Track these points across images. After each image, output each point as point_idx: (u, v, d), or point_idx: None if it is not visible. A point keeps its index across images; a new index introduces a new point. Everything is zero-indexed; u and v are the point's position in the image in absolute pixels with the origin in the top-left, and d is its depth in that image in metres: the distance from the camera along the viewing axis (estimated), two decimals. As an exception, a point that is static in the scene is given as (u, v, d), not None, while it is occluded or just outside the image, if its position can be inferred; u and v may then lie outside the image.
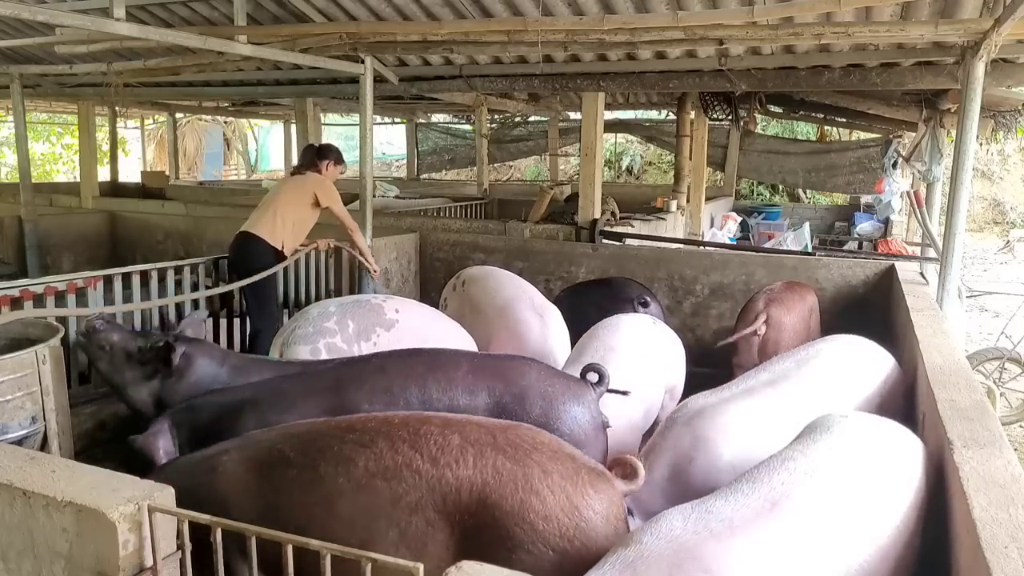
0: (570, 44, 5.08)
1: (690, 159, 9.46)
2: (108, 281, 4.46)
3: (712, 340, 5.59)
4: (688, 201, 9.33)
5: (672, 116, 10.62)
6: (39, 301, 4.07)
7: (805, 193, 14.90)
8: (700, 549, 1.74)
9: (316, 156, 5.17)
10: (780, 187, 15.30)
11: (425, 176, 14.92)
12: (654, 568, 1.70)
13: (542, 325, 4.19)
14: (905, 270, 5.09)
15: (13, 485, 1.84)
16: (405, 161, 16.05)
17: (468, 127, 13.96)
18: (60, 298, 4.20)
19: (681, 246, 6.57)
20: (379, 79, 5.83)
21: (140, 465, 2.51)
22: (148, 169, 17.31)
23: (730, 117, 9.45)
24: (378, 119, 14.25)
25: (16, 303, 3.95)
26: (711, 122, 10.32)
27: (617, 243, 6.35)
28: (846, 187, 11.53)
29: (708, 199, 10.69)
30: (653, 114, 13.43)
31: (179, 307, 4.73)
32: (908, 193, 7.59)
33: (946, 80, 5.35)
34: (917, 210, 6.76)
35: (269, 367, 3.34)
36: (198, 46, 4.63)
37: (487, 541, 1.89)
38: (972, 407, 2.35)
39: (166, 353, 3.14)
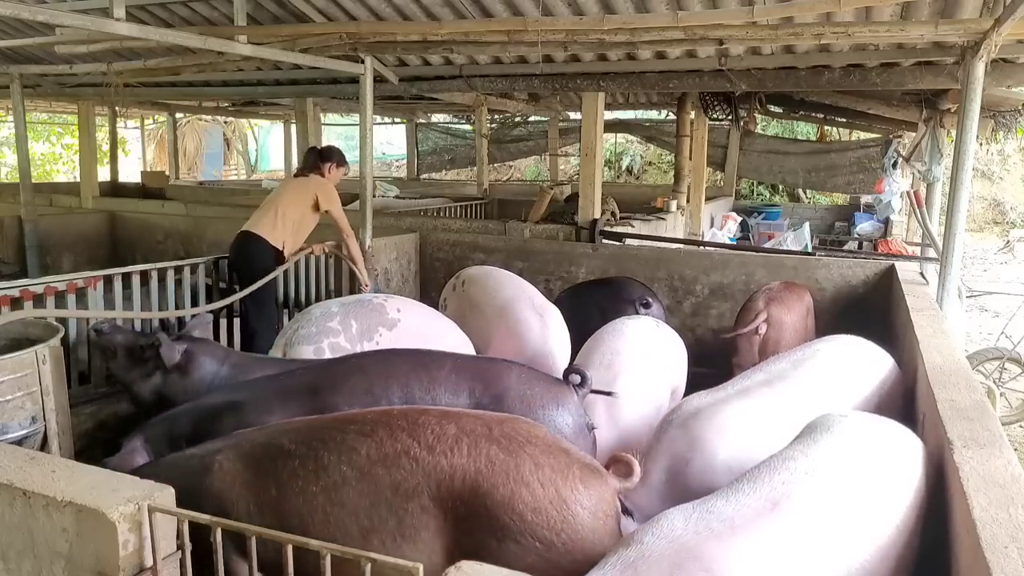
0: (570, 44, 5.07)
1: (690, 159, 9.46)
2: (108, 281, 4.46)
3: (712, 340, 5.59)
4: (688, 201, 9.33)
5: (672, 116, 10.62)
6: (39, 301, 4.07)
7: (805, 193, 14.90)
8: (701, 549, 1.74)
9: (319, 159, 5.18)
10: (780, 187, 15.30)
11: (425, 176, 14.92)
12: (655, 568, 1.70)
13: (542, 325, 4.19)
14: (905, 270, 5.09)
15: (13, 485, 1.84)
16: (405, 161, 16.05)
17: (468, 127, 13.96)
18: (60, 298, 4.20)
19: (681, 246, 6.57)
20: (379, 79, 5.83)
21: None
22: (148, 169, 17.31)
23: (730, 117, 9.45)
24: (378, 119, 14.25)
25: (16, 303, 3.95)
26: (711, 122, 10.32)
27: (617, 243, 6.35)
28: (846, 187, 11.53)
29: (708, 199, 10.69)
30: (653, 114, 13.43)
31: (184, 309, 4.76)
32: (908, 193, 7.59)
33: (946, 80, 5.35)
34: (917, 210, 6.76)
35: (270, 365, 3.39)
36: (198, 46, 4.63)
37: (478, 529, 1.92)
38: (972, 407, 2.35)
39: (157, 352, 3.26)
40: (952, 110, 6.77)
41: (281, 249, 4.95)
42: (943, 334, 3.32)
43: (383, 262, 6.04)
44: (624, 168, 18.84)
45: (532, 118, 12.94)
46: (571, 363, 3.73)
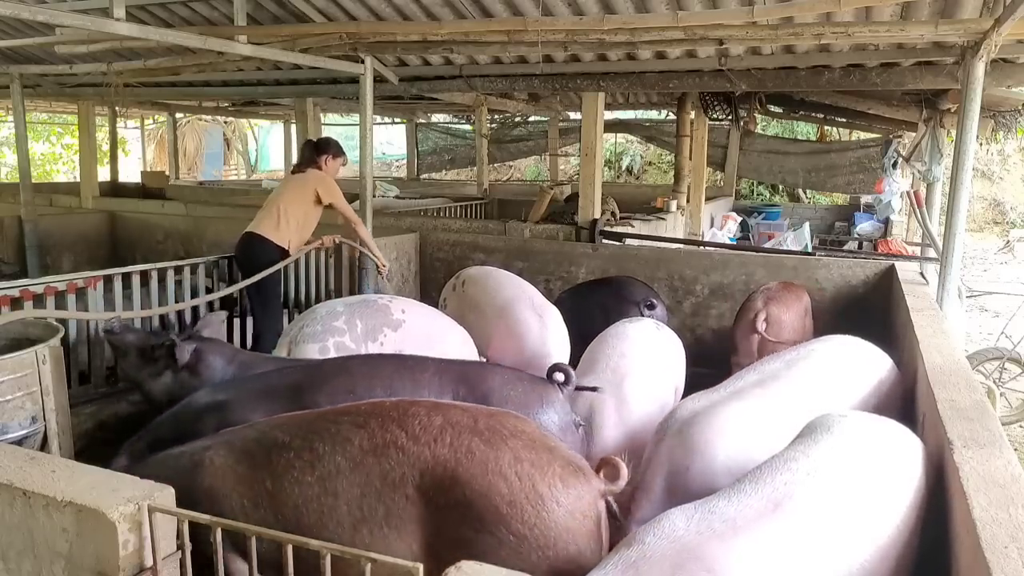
0: (570, 44, 5.08)
1: (690, 159, 9.46)
2: (108, 281, 4.46)
3: (712, 340, 5.60)
4: (688, 201, 9.33)
5: (672, 116, 10.62)
6: (39, 301, 4.07)
7: (805, 193, 14.90)
8: (703, 549, 1.74)
9: (315, 152, 5.16)
10: (780, 187, 15.30)
11: (425, 176, 14.92)
12: (656, 568, 1.70)
13: (541, 325, 4.20)
14: (905, 270, 5.10)
15: (13, 485, 1.85)
16: (405, 161, 16.04)
17: (468, 127, 13.96)
18: (60, 298, 4.20)
19: (681, 246, 6.57)
20: (379, 79, 5.83)
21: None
22: (148, 169, 17.31)
23: (730, 117, 9.45)
24: (378, 119, 14.25)
25: (16, 303, 3.95)
26: (711, 122, 10.32)
27: (617, 243, 6.35)
28: (846, 187, 11.53)
29: (708, 199, 10.69)
30: (653, 114, 13.43)
31: (193, 308, 4.83)
32: (908, 193, 7.59)
33: (946, 80, 5.35)
34: (917, 210, 6.76)
35: (276, 364, 3.44)
36: (198, 46, 4.63)
37: (457, 519, 1.94)
38: (972, 407, 2.35)
39: (171, 352, 3.35)
40: (952, 110, 6.77)
41: (286, 248, 4.96)
42: (943, 334, 3.32)
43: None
44: (624, 168, 18.84)
45: (532, 118, 12.94)
46: (574, 366, 3.73)
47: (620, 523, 2.23)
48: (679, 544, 1.76)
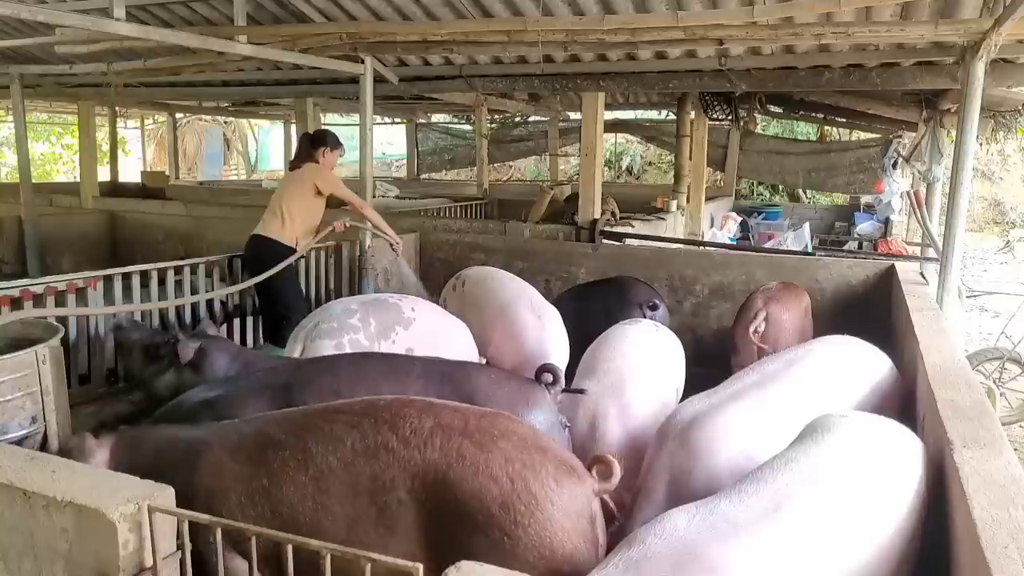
0: (570, 44, 5.07)
1: (690, 159, 9.45)
2: (108, 281, 4.46)
3: (712, 340, 5.59)
4: (688, 201, 9.32)
5: (672, 116, 10.61)
6: (39, 301, 4.07)
7: (805, 193, 14.89)
8: (704, 549, 1.74)
9: (311, 146, 5.17)
10: (780, 187, 15.30)
11: (425, 176, 14.91)
12: (657, 568, 1.70)
13: (540, 326, 4.20)
14: (905, 270, 5.09)
15: (13, 485, 1.85)
16: (405, 161, 16.04)
17: (468, 127, 13.95)
18: (60, 298, 4.20)
19: (681, 246, 6.57)
20: (379, 79, 5.83)
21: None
22: (148, 169, 17.30)
23: (730, 117, 9.45)
24: (378, 119, 14.24)
25: (16, 303, 3.95)
26: (711, 122, 10.31)
27: (617, 243, 6.35)
28: (846, 187, 11.53)
29: (708, 199, 10.68)
30: (653, 114, 13.41)
31: (195, 307, 4.90)
32: (908, 193, 7.59)
33: (946, 80, 5.35)
34: (917, 210, 6.76)
35: (277, 363, 3.47)
36: (198, 46, 4.63)
37: (449, 522, 1.94)
38: (972, 407, 2.35)
39: (175, 349, 3.38)
40: (952, 110, 6.78)
41: (294, 246, 4.99)
42: (943, 334, 3.32)
43: (383, 262, 6.04)
44: (624, 168, 18.83)
45: (532, 118, 12.93)
46: (575, 368, 3.73)
47: (617, 521, 2.23)
48: (680, 544, 1.76)
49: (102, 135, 14.01)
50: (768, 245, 9.11)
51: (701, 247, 6.88)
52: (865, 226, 10.68)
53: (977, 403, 2.39)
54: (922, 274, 5.16)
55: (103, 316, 4.48)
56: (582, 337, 4.25)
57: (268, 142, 21.71)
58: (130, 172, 15.62)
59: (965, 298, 7.06)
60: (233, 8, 4.90)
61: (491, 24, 4.84)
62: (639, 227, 7.18)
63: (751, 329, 4.25)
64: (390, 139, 20.68)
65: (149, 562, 1.78)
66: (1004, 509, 1.68)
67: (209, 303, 5.03)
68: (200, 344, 3.44)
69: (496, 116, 13.05)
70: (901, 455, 2.16)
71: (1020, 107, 6.92)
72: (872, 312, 5.06)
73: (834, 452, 2.10)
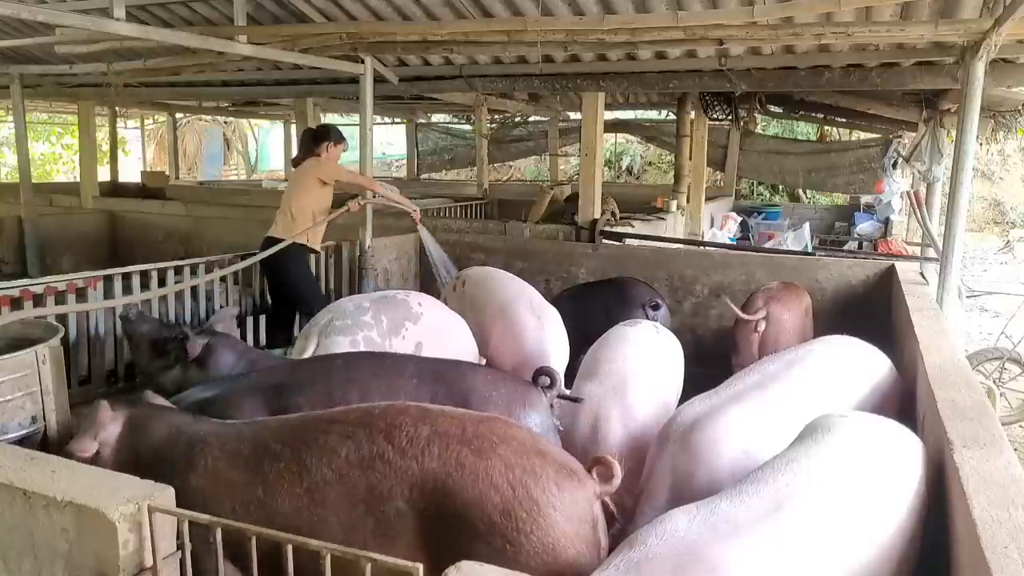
0: (570, 44, 5.07)
1: (690, 159, 9.45)
2: (108, 281, 4.46)
3: (712, 340, 5.60)
4: (688, 201, 9.32)
5: (672, 116, 10.61)
6: (39, 301, 4.07)
7: (805, 193, 14.89)
8: (705, 550, 1.74)
9: (313, 141, 5.18)
10: (780, 187, 15.30)
11: (425, 176, 14.91)
12: (658, 569, 1.70)
13: (539, 326, 4.20)
14: (905, 270, 5.09)
15: (13, 485, 1.85)
16: (405, 161, 16.04)
17: (468, 127, 13.95)
18: (60, 298, 4.20)
19: (681, 246, 6.57)
20: (379, 79, 5.83)
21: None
22: (148, 169, 17.30)
23: (730, 117, 9.45)
24: (378, 119, 14.24)
25: (16, 303, 3.95)
26: (711, 122, 10.31)
27: (617, 243, 6.35)
28: (846, 187, 11.53)
29: (708, 199, 10.69)
30: (653, 114, 13.42)
31: (196, 307, 4.96)
32: (908, 193, 7.59)
33: (946, 80, 5.35)
34: (917, 210, 6.76)
35: (280, 363, 3.51)
36: (198, 46, 4.63)
37: (449, 531, 1.92)
38: (972, 407, 2.35)
39: (183, 345, 3.39)
40: (952, 110, 6.78)
41: (306, 242, 5.05)
42: (943, 334, 3.32)
43: (383, 262, 6.05)
44: (624, 168, 18.83)
45: (532, 118, 12.93)
46: (576, 369, 3.72)
47: (619, 523, 2.22)
48: (681, 545, 1.76)
49: (102, 135, 14.01)
50: (768, 245, 9.11)
51: (701, 247, 6.88)
52: (865, 226, 10.68)
53: (977, 403, 2.39)
54: (922, 274, 5.16)
55: (103, 316, 4.48)
56: (582, 337, 4.25)
57: (268, 142, 21.71)
58: (130, 172, 15.62)
59: (965, 298, 7.06)
60: (233, 8, 4.91)
61: (491, 24, 4.84)
62: (639, 227, 7.18)
63: (752, 327, 4.25)
64: (390, 139, 20.68)
65: (149, 562, 1.78)
66: (1004, 509, 1.68)
67: (209, 302, 5.04)
68: (208, 341, 3.45)
69: (496, 116, 13.06)
70: (901, 455, 2.16)
71: (1020, 107, 6.92)
72: (872, 312, 5.06)
73: (834, 452, 2.10)
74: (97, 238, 8.80)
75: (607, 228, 6.45)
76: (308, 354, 3.67)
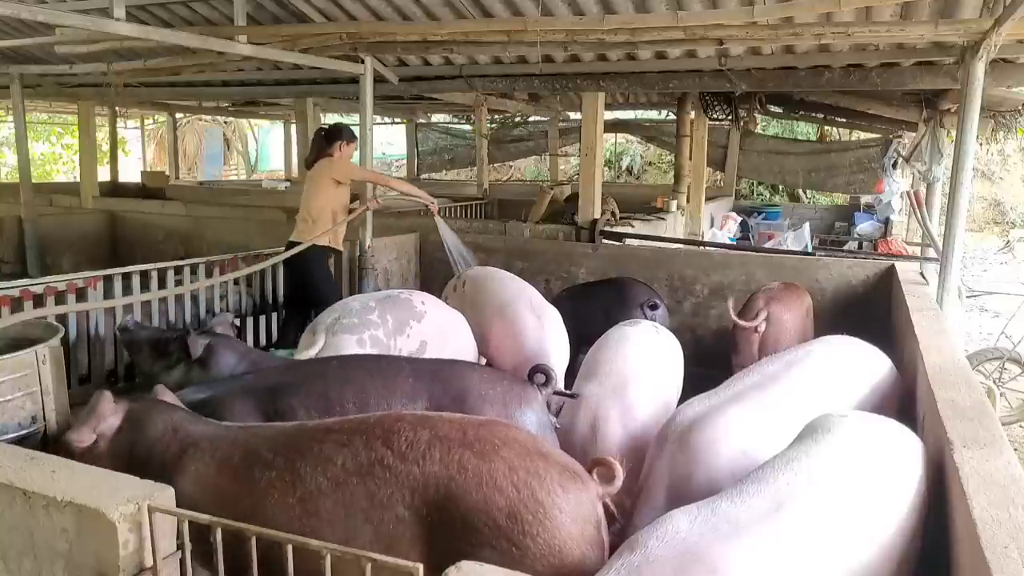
0: (570, 44, 5.07)
1: (690, 159, 9.45)
2: (108, 281, 4.46)
3: (712, 340, 5.60)
4: (688, 201, 9.32)
5: (672, 116, 10.61)
6: (39, 301, 4.07)
7: (805, 193, 14.89)
8: (706, 551, 1.74)
9: (326, 141, 5.19)
10: (780, 187, 15.30)
11: (425, 176, 14.91)
12: (659, 572, 1.69)
13: (539, 326, 4.20)
14: (905, 270, 5.09)
15: (13, 485, 1.85)
16: (405, 161, 16.04)
17: (468, 127, 13.95)
18: (60, 298, 4.20)
19: (681, 246, 6.57)
20: (379, 79, 5.83)
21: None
22: (148, 169, 17.30)
23: (730, 117, 9.45)
24: (378, 119, 14.24)
25: (16, 303, 3.95)
26: (711, 122, 10.31)
27: (617, 243, 6.35)
28: (846, 187, 11.53)
29: (708, 199, 10.69)
30: (653, 114, 13.42)
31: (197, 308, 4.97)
32: (908, 193, 7.60)
33: (946, 80, 5.35)
34: (917, 210, 6.77)
35: (280, 363, 3.51)
36: (198, 46, 4.64)
37: (452, 535, 1.90)
38: (972, 407, 2.35)
39: (184, 345, 3.41)
40: (952, 110, 6.78)
41: (327, 244, 5.07)
42: (943, 334, 3.32)
43: (383, 262, 6.04)
44: (624, 168, 18.83)
45: (532, 118, 12.93)
46: (576, 370, 3.73)
47: (619, 524, 2.21)
48: (682, 546, 1.75)
49: (102, 135, 14.01)
50: (768, 245, 9.11)
51: (701, 247, 6.88)
52: (865, 226, 10.68)
53: (977, 403, 2.39)
54: (922, 274, 5.16)
55: (103, 316, 4.48)
56: (580, 337, 4.25)
57: (268, 142, 21.71)
58: (130, 172, 15.63)
59: (965, 298, 7.06)
60: (233, 8, 4.91)
61: (491, 24, 4.84)
62: (639, 227, 7.18)
63: (753, 328, 4.25)
64: (390, 139, 20.69)
65: (149, 562, 1.78)
66: (1004, 509, 1.68)
67: (209, 303, 5.05)
68: (209, 341, 3.46)
69: (496, 116, 13.06)
70: (901, 454, 2.16)
71: (1020, 107, 6.92)
72: (872, 312, 5.06)
73: (835, 451, 2.09)
74: (97, 238, 8.80)
75: (607, 228, 6.45)
76: (315, 352, 3.68)
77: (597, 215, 6.46)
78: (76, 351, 4.30)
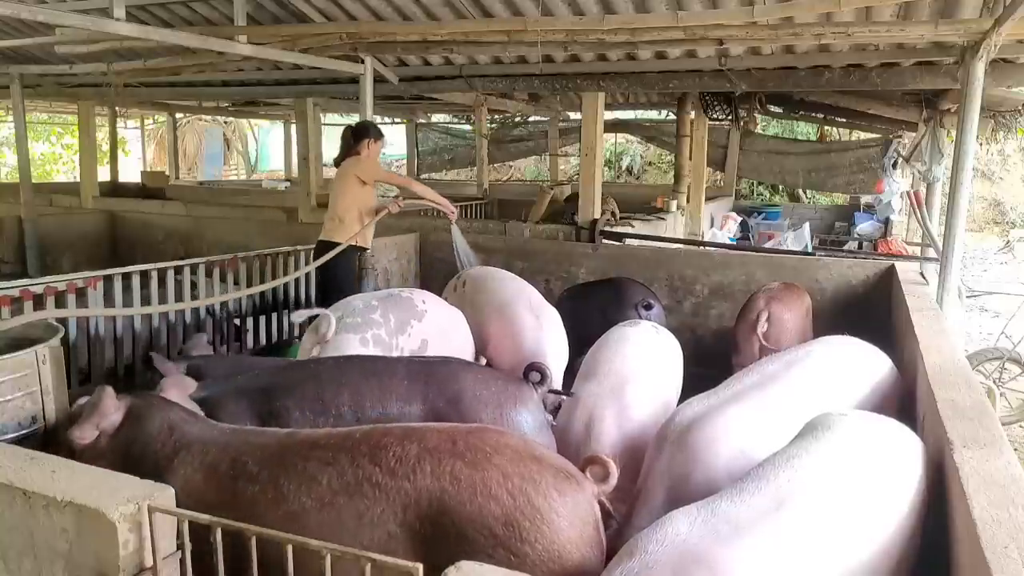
0: (570, 44, 5.07)
1: (690, 159, 9.45)
2: (108, 281, 4.46)
3: (712, 340, 5.60)
4: (688, 201, 9.33)
5: (672, 116, 10.61)
6: (39, 301, 4.07)
7: (805, 193, 14.89)
8: (706, 551, 1.73)
9: (353, 139, 5.17)
10: (780, 187, 15.30)
11: (425, 176, 14.91)
12: (659, 573, 1.69)
13: (538, 326, 4.20)
14: (905, 270, 5.09)
15: (13, 485, 1.85)
16: (405, 161, 16.04)
17: (468, 127, 13.95)
18: (60, 298, 4.20)
19: (681, 246, 6.57)
20: (379, 79, 5.83)
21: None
22: (148, 169, 17.31)
23: (730, 117, 9.45)
24: (378, 119, 14.20)
25: (16, 303, 3.95)
26: (711, 122, 10.31)
27: (617, 243, 6.35)
28: (846, 187, 11.52)
29: (708, 199, 10.69)
30: (653, 114, 13.42)
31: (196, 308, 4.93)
32: (908, 193, 7.59)
33: (946, 80, 5.35)
34: (917, 210, 6.76)
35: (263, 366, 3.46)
36: (198, 46, 4.64)
37: (448, 550, 1.85)
38: (972, 407, 2.35)
39: (149, 366, 3.40)
40: (952, 110, 6.78)
41: (355, 243, 5.09)
42: (943, 334, 3.32)
43: (383, 262, 6.04)
44: (624, 168, 18.83)
45: (532, 118, 12.93)
46: (576, 370, 3.72)
47: (616, 524, 2.20)
48: (682, 548, 1.75)
49: (102, 135, 14.01)
50: (768, 245, 9.11)
51: (701, 247, 6.88)
52: (865, 226, 10.68)
53: (977, 403, 2.39)
54: (922, 274, 5.16)
55: (103, 316, 4.48)
56: (578, 338, 4.25)
57: (268, 142, 21.71)
58: (130, 172, 15.63)
59: (965, 298, 7.06)
60: (233, 8, 4.91)
61: (491, 24, 4.84)
62: (639, 227, 7.18)
63: (757, 330, 4.24)
64: (390, 139, 20.54)
65: (149, 562, 1.78)
66: (1004, 509, 1.68)
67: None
68: (191, 364, 3.38)
69: (496, 116, 13.06)
70: (901, 453, 2.16)
71: (1020, 107, 6.92)
72: (872, 312, 5.06)
73: (834, 450, 2.09)
74: (97, 238, 8.80)
75: (607, 228, 6.45)
76: (318, 351, 3.68)
77: (597, 215, 6.46)
78: (76, 351, 4.29)
